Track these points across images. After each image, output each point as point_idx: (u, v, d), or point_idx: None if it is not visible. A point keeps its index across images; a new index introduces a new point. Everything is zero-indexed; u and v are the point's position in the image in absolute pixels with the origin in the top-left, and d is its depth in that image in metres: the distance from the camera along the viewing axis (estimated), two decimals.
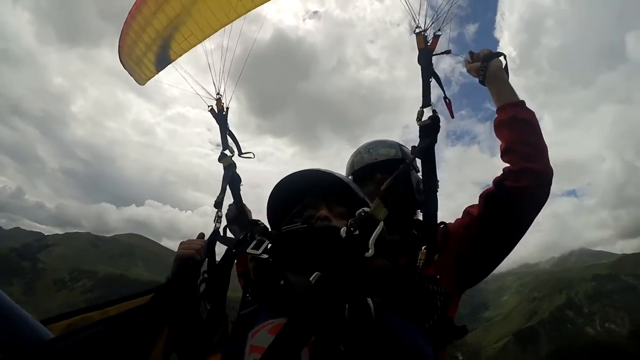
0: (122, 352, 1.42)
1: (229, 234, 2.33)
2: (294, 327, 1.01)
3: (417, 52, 1.90)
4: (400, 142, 2.42)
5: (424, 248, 1.53)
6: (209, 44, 2.92)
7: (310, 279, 1.13)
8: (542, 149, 1.76)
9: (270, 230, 1.67)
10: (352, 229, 1.25)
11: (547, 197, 1.76)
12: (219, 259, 1.96)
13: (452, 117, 1.93)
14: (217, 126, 2.72)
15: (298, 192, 1.64)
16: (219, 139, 2.66)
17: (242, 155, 2.68)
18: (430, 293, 1.31)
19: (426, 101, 1.76)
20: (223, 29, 2.84)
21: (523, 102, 1.87)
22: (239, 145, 2.70)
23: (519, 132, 1.79)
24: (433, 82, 1.84)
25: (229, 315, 1.79)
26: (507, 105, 1.87)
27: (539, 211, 1.78)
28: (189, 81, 2.84)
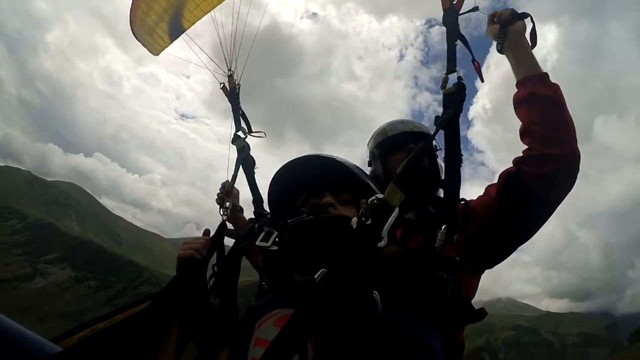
0: (130, 352, 1.42)
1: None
2: (296, 328, 0.97)
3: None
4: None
5: (444, 228, 1.43)
6: (220, 15, 2.84)
7: (316, 276, 1.08)
8: (566, 131, 1.54)
9: (276, 220, 1.57)
10: (363, 218, 1.16)
11: (573, 184, 1.57)
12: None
13: (482, 80, 1.79)
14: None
15: (300, 179, 1.58)
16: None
17: (252, 134, 2.64)
18: (441, 281, 1.24)
19: (451, 66, 1.63)
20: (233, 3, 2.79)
21: (544, 75, 1.64)
22: (249, 124, 2.65)
23: (539, 111, 1.58)
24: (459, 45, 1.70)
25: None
26: (526, 79, 1.65)
27: (562, 198, 1.59)
28: (200, 56, 2.81)
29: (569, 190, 1.58)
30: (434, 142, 2.17)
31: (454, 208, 1.49)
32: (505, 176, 1.64)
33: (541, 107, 1.58)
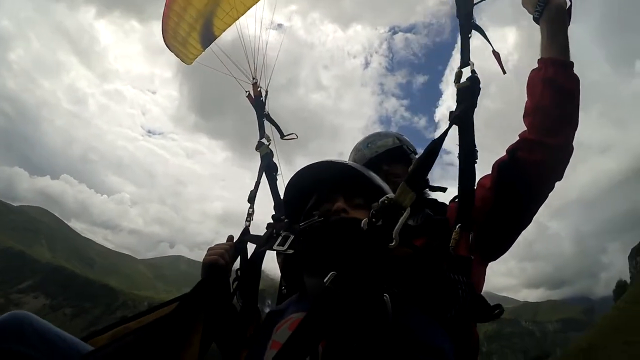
0: (157, 352, 1.45)
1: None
2: (304, 333, 0.98)
3: None
4: None
5: (459, 227, 1.39)
6: (246, 23, 2.93)
7: (325, 280, 1.06)
8: (570, 124, 1.55)
9: (292, 224, 1.59)
10: (374, 219, 1.15)
11: (562, 174, 1.59)
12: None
13: (504, 72, 1.73)
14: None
15: (313, 185, 1.62)
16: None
17: (284, 138, 2.68)
18: (453, 282, 1.21)
19: (464, 60, 1.60)
20: (255, 10, 2.88)
21: (570, 65, 1.57)
22: (280, 128, 2.69)
23: (551, 98, 1.54)
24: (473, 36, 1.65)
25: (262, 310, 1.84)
26: (550, 60, 1.58)
27: (552, 186, 1.61)
28: (226, 63, 2.83)
29: (558, 179, 1.60)
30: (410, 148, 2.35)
31: (470, 206, 1.44)
32: (499, 165, 1.62)
33: (555, 95, 1.53)
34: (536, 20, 1.68)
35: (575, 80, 1.57)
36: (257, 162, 2.54)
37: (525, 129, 1.60)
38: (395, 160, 2.27)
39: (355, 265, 1.07)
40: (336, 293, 1.02)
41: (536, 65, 1.64)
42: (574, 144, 1.57)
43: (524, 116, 1.63)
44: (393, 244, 1.11)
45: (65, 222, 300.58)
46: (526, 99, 1.63)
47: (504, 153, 1.64)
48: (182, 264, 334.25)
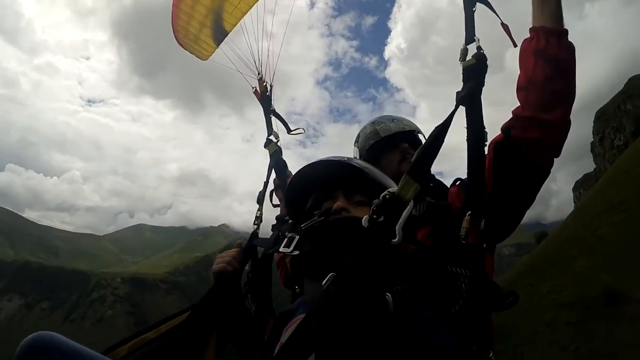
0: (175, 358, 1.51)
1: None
2: (301, 336, 1.01)
3: None
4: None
5: (469, 214, 1.34)
6: (249, 19, 2.88)
7: (323, 282, 1.04)
8: (566, 98, 1.45)
9: (296, 225, 1.57)
10: (375, 216, 1.13)
11: (560, 151, 1.51)
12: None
13: (515, 45, 1.61)
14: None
15: (312, 184, 1.62)
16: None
17: (290, 133, 2.64)
18: (453, 276, 1.19)
19: (469, 36, 1.52)
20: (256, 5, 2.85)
21: (563, 32, 1.47)
22: (287, 124, 2.64)
23: (543, 70, 1.44)
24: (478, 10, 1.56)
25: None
26: (542, 30, 1.48)
27: (552, 163, 1.54)
28: (232, 59, 2.84)
29: (556, 156, 1.52)
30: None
31: (481, 192, 1.38)
32: (494, 145, 1.53)
33: (548, 67, 1.44)
34: None
35: (570, 50, 1.46)
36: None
37: (519, 104, 1.50)
38: (414, 145, 2.23)
39: (355, 264, 1.05)
40: (336, 295, 1.00)
41: (528, 35, 1.52)
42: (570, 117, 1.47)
43: (517, 90, 1.52)
44: (396, 239, 1.09)
45: (20, 214, 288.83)
46: (519, 71, 1.52)
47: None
48: (146, 232, 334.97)
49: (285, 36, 2.78)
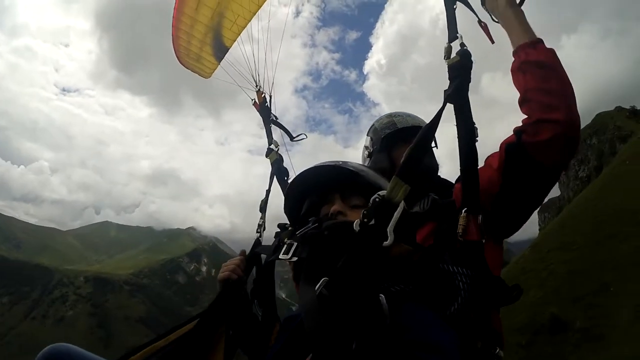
0: None
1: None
2: (293, 343, 1.06)
3: None
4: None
5: (465, 211, 1.34)
6: (245, 32, 2.96)
7: (317, 287, 1.06)
8: (564, 94, 1.48)
9: (295, 232, 1.56)
10: (365, 219, 1.14)
11: (575, 149, 1.52)
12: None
13: (492, 42, 1.66)
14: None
15: (307, 191, 1.64)
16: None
17: (293, 140, 2.68)
18: (449, 275, 1.19)
19: (452, 34, 1.54)
20: (254, 18, 2.91)
21: (537, 41, 1.56)
22: (288, 131, 2.69)
23: (532, 77, 1.51)
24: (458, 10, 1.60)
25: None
26: (519, 48, 1.57)
27: (566, 162, 1.57)
28: (230, 73, 2.91)
29: (572, 156, 1.55)
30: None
31: (474, 189, 1.37)
32: (506, 146, 1.55)
33: (535, 73, 1.51)
34: (495, 20, 1.69)
35: (549, 52, 1.53)
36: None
37: (524, 117, 1.53)
38: None
39: (348, 268, 1.06)
40: (329, 299, 1.02)
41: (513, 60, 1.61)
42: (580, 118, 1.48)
43: (520, 107, 1.56)
44: (388, 241, 1.10)
45: None
46: (517, 94, 1.57)
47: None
48: (111, 230, 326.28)
49: (270, 44, 2.81)
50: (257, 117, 2.82)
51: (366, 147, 2.35)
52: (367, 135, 2.39)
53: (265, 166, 2.52)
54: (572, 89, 1.50)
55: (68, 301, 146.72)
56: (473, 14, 1.69)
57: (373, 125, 2.38)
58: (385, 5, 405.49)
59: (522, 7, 1.62)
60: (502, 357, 1.24)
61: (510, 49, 1.61)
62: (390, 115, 2.33)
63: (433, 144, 2.23)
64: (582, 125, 1.58)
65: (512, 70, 1.60)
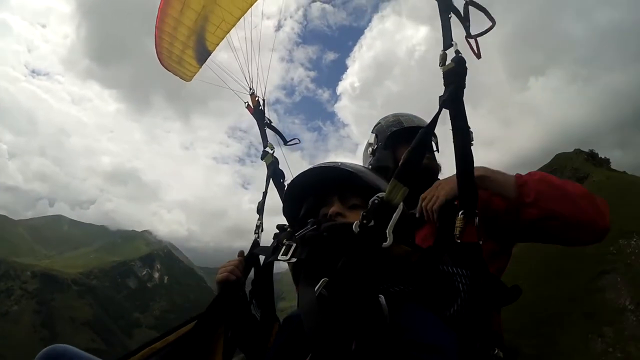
0: None
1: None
2: (292, 343, 1.07)
3: None
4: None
5: (461, 214, 1.36)
6: (236, 35, 2.92)
7: (316, 288, 1.07)
8: (580, 216, 1.55)
9: (294, 234, 1.55)
10: (365, 221, 1.15)
11: (600, 237, 1.61)
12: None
13: (479, 57, 1.64)
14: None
15: (306, 192, 1.67)
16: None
17: (287, 144, 2.73)
18: (449, 276, 1.20)
19: (447, 42, 1.55)
20: (243, 19, 2.89)
21: (522, 184, 1.62)
22: (283, 135, 2.74)
23: (541, 211, 1.57)
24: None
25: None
26: (513, 200, 1.63)
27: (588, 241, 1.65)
28: (222, 76, 2.91)
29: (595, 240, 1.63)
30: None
31: (470, 192, 1.39)
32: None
33: (540, 208, 1.56)
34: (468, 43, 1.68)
35: (539, 184, 1.61)
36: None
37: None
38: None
39: (347, 269, 1.07)
40: (328, 300, 1.03)
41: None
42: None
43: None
44: (387, 243, 1.11)
45: None
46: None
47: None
48: (64, 225, 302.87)
49: (259, 46, 2.79)
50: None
51: (370, 144, 2.39)
52: (372, 132, 2.43)
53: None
54: (584, 204, 1.58)
55: (13, 295, 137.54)
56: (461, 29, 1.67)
57: (379, 122, 2.43)
58: (365, 31, 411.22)
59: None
60: (502, 358, 1.25)
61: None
62: (396, 115, 2.37)
63: (435, 148, 2.31)
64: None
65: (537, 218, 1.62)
